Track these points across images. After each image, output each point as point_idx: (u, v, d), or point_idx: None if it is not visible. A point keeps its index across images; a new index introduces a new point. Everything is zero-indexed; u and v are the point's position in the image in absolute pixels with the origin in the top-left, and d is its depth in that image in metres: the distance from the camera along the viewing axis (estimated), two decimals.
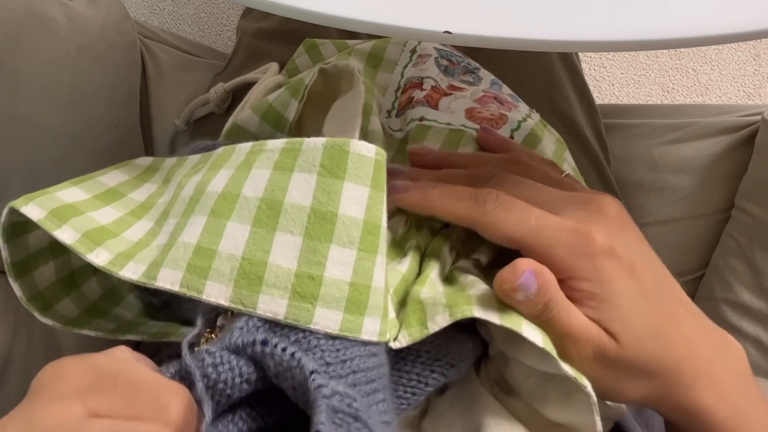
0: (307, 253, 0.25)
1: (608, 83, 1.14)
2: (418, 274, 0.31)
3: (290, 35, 0.58)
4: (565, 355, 0.29)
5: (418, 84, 0.40)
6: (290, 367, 0.23)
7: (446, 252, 0.32)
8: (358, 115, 0.35)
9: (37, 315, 0.30)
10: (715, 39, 0.26)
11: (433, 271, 0.31)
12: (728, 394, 0.30)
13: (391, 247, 0.33)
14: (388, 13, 0.26)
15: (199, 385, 0.22)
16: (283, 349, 0.23)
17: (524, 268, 0.27)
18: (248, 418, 0.24)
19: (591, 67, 1.14)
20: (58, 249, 0.32)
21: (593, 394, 0.27)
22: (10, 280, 0.30)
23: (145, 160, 0.35)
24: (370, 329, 0.26)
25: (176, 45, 0.65)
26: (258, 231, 0.25)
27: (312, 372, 0.23)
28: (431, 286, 0.30)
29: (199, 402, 0.22)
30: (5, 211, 0.28)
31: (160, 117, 0.59)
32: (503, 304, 0.28)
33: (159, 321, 0.35)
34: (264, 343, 0.23)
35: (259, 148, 0.28)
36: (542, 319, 0.28)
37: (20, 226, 0.30)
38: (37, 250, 0.31)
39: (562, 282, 0.29)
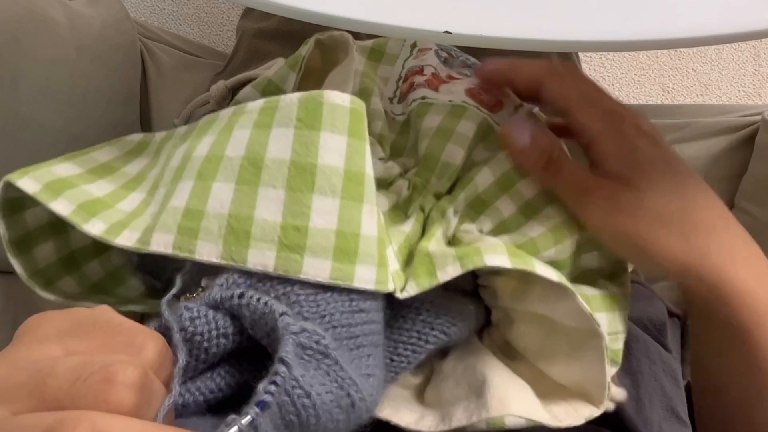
0: (291, 205, 0.25)
1: (608, 83, 1.14)
2: (422, 235, 0.32)
3: (290, 35, 0.58)
4: (580, 212, 0.31)
5: (419, 71, 0.40)
6: (263, 313, 0.23)
7: (450, 214, 0.32)
8: (350, 79, 0.36)
9: (38, 290, 0.31)
10: (715, 39, 0.26)
11: (438, 230, 0.31)
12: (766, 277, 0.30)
13: (395, 210, 0.33)
14: (388, 13, 0.26)
15: (176, 335, 0.22)
16: (258, 299, 0.24)
17: (514, 121, 0.32)
18: (227, 375, 0.25)
19: (591, 67, 1.14)
20: (57, 227, 0.32)
21: (606, 335, 0.28)
22: (10, 257, 0.30)
23: (137, 136, 0.36)
24: (364, 277, 0.26)
25: (176, 45, 0.65)
26: (242, 188, 0.26)
27: (282, 314, 0.23)
28: (437, 242, 0.30)
29: (176, 352, 0.23)
30: (0, 184, 0.28)
31: (160, 117, 0.59)
32: (512, 251, 0.28)
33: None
34: (241, 296, 0.24)
35: (240, 110, 0.28)
36: (550, 174, 0.31)
37: (17, 202, 0.30)
38: (36, 227, 0.32)
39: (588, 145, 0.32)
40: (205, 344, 0.24)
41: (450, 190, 0.34)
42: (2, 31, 0.46)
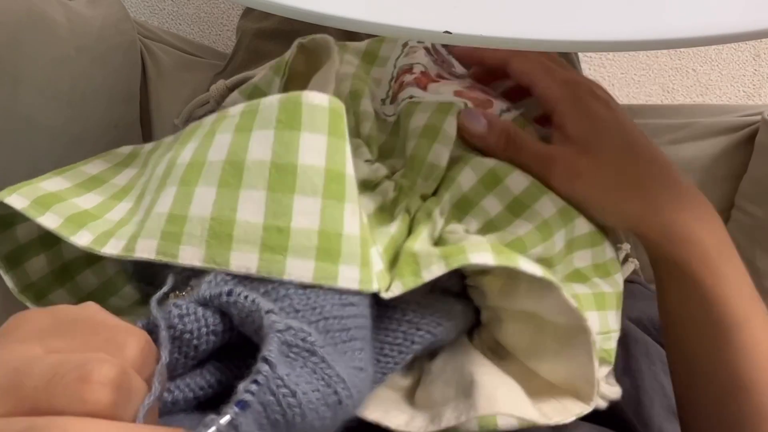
0: (273, 206, 0.25)
1: (608, 83, 1.14)
2: (408, 236, 0.32)
3: (290, 35, 0.58)
4: (546, 182, 0.33)
5: (408, 69, 0.41)
6: (251, 311, 0.23)
7: (437, 215, 0.33)
8: (331, 81, 0.36)
9: (29, 304, 0.31)
10: (715, 39, 0.26)
11: (424, 231, 0.31)
12: (717, 231, 0.34)
13: (381, 212, 0.33)
14: (387, 13, 0.26)
15: (163, 333, 0.22)
16: (246, 297, 0.24)
17: (463, 111, 0.35)
18: (217, 371, 0.25)
19: (591, 67, 1.14)
20: (48, 240, 0.32)
21: (592, 330, 0.28)
22: (1, 272, 0.30)
23: (126, 149, 0.36)
24: (348, 276, 0.26)
25: (176, 45, 0.65)
26: (223, 191, 0.26)
27: (268, 311, 0.23)
28: (423, 242, 0.30)
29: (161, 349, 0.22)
30: None
31: (160, 117, 0.59)
32: (497, 248, 0.29)
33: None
34: (229, 293, 0.24)
35: (222, 116, 0.28)
36: (513, 152, 0.34)
37: (7, 218, 0.30)
38: (27, 242, 0.32)
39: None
40: (195, 341, 0.23)
41: (435, 191, 0.35)
42: (2, 31, 0.46)
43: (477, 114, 0.35)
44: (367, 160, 0.36)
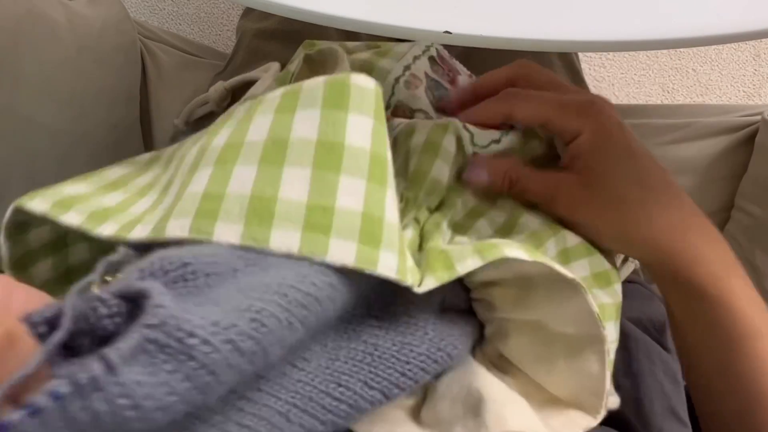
0: (318, 184, 0.24)
1: (608, 83, 1.14)
2: (420, 244, 0.31)
3: (290, 35, 0.58)
4: (553, 213, 0.35)
5: (409, 116, 0.40)
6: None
7: (445, 227, 0.33)
8: None
9: None
10: (715, 39, 0.26)
11: (438, 239, 0.31)
12: (722, 249, 0.34)
13: None
14: (388, 13, 0.26)
15: (66, 314, 0.19)
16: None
17: (470, 162, 0.36)
18: None
19: (591, 67, 1.14)
20: (58, 245, 0.32)
21: (608, 338, 0.28)
22: (9, 275, 0.30)
23: (147, 155, 0.35)
24: (388, 264, 0.24)
25: (176, 45, 0.65)
26: (265, 168, 0.25)
27: (158, 306, 0.19)
28: (445, 245, 0.30)
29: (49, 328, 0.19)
30: (10, 210, 0.28)
31: (160, 117, 0.59)
32: (526, 247, 0.28)
33: None
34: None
35: (259, 101, 0.27)
36: (518, 192, 0.35)
37: (23, 225, 0.30)
38: (38, 247, 0.31)
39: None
40: (98, 328, 0.20)
41: (438, 207, 0.35)
42: (2, 31, 0.46)
43: (478, 164, 0.36)
44: None
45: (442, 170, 0.35)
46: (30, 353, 0.17)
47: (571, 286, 0.28)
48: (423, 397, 0.31)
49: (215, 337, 0.19)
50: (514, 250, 0.27)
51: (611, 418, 0.33)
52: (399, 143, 0.38)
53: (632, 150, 0.35)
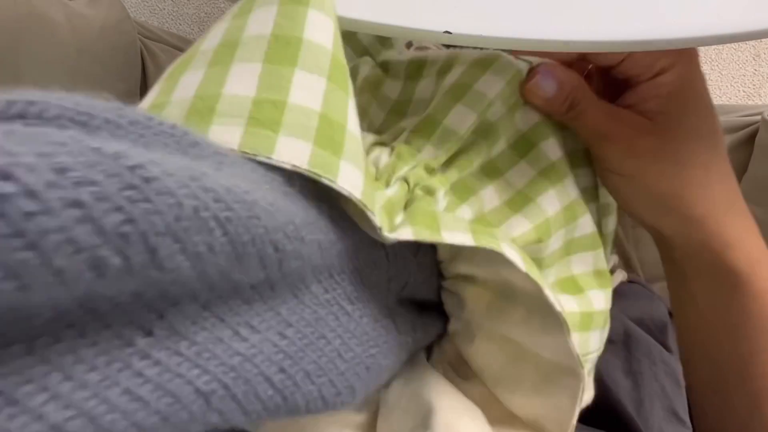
0: (269, 78, 0.21)
1: None
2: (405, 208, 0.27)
3: None
4: (598, 154, 0.30)
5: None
6: None
7: (441, 196, 0.28)
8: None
9: None
10: (715, 39, 0.26)
11: (432, 203, 0.27)
12: (756, 234, 0.32)
13: (376, 178, 0.28)
14: (388, 13, 0.26)
15: None
16: None
17: (540, 70, 0.30)
18: None
19: None
20: None
21: (585, 378, 0.25)
22: None
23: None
24: (350, 179, 0.21)
25: (176, 45, 0.65)
26: (212, 70, 0.22)
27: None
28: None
29: None
30: None
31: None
32: (526, 257, 0.25)
33: None
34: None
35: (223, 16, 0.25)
36: (572, 117, 0.30)
37: None
38: None
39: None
40: None
41: (447, 163, 0.29)
42: (2, 31, 0.46)
43: (550, 73, 0.30)
44: None
45: (462, 118, 0.28)
46: None
47: (555, 320, 0.25)
48: (374, 411, 0.28)
49: (51, 188, 0.12)
50: (511, 251, 0.24)
51: (612, 418, 0.33)
52: (436, 84, 0.32)
53: (712, 109, 0.32)
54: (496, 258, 0.24)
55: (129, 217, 0.13)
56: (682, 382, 0.41)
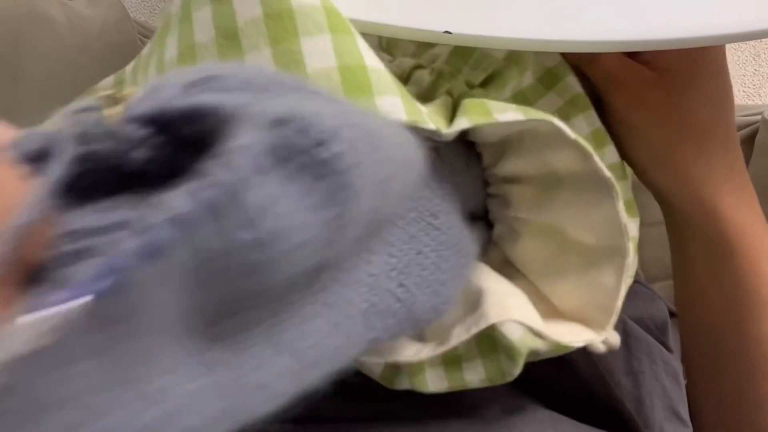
0: (282, 59, 0.23)
1: None
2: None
3: None
4: (606, 98, 0.31)
5: None
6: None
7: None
8: None
9: None
10: (715, 39, 0.26)
11: None
12: (755, 207, 0.32)
13: (419, 98, 0.29)
14: (387, 13, 0.26)
15: (61, 139, 0.14)
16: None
17: None
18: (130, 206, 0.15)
19: None
20: None
21: (630, 254, 0.26)
22: None
23: (109, 79, 0.34)
24: (389, 106, 0.22)
25: None
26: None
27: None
28: None
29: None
30: None
31: None
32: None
33: None
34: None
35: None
36: (585, 61, 0.31)
37: None
38: None
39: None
40: (114, 156, 0.15)
41: (484, 84, 0.31)
42: (2, 31, 0.46)
43: None
44: (389, 61, 0.33)
45: None
46: (20, 194, 0.11)
47: (602, 189, 0.26)
48: None
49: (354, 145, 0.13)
50: (560, 121, 0.25)
51: (612, 418, 0.33)
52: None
53: (724, 74, 0.32)
54: (542, 142, 0.25)
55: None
56: (683, 382, 0.41)
